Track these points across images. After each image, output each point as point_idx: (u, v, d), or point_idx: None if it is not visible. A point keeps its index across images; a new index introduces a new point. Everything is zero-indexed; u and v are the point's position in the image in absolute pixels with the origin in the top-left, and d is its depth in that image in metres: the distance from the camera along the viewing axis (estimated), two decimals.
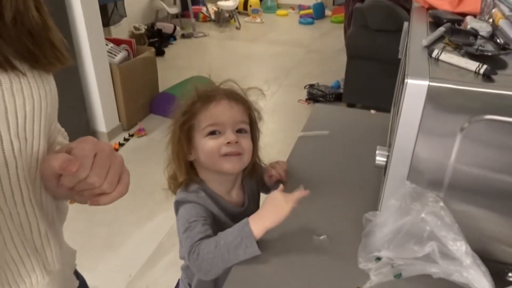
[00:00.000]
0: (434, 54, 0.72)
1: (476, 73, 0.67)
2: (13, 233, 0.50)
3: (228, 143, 0.87)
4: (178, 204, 0.91)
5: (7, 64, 0.46)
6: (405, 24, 1.23)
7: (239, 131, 0.90)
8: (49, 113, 0.52)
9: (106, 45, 2.85)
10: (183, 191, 0.92)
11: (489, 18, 0.92)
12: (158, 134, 3.07)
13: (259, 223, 0.79)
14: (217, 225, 0.88)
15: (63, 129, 0.68)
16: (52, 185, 0.52)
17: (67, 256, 0.63)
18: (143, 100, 3.23)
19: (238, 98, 0.92)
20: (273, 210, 0.80)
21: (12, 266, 0.51)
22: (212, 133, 0.88)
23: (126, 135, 3.03)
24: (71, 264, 0.66)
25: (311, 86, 3.66)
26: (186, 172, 0.92)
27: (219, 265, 0.79)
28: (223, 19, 5.78)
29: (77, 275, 0.69)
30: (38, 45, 0.49)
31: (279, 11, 6.38)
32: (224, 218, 0.91)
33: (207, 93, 0.90)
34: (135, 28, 4.46)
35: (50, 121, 0.53)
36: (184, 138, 0.90)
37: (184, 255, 0.83)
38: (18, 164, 0.49)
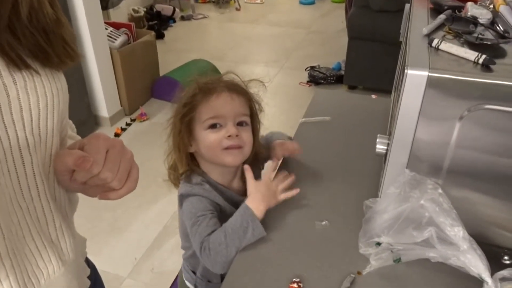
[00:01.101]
0: (434, 43, 0.72)
1: (475, 62, 0.68)
2: (31, 227, 0.52)
3: (229, 136, 0.88)
4: (182, 198, 0.92)
5: (21, 62, 0.47)
6: (407, 6, 1.23)
7: (240, 123, 0.91)
8: (61, 109, 0.53)
9: (106, 29, 2.84)
10: (186, 184, 0.93)
11: (490, 4, 0.92)
12: (160, 118, 3.08)
13: (258, 204, 0.85)
14: (223, 217, 0.90)
15: (70, 121, 0.70)
16: (65, 180, 0.54)
17: (79, 245, 0.65)
18: (144, 85, 3.22)
19: (239, 90, 0.92)
20: (268, 195, 0.87)
21: (31, 258, 0.53)
22: (213, 126, 0.89)
23: (128, 119, 3.04)
24: (83, 252, 0.68)
25: (312, 68, 3.64)
26: (187, 164, 0.93)
27: (232, 253, 0.81)
28: (222, 0, 5.70)
29: (88, 262, 0.72)
30: (51, 43, 0.50)
31: None
32: (230, 208, 0.93)
33: (208, 85, 0.91)
34: (134, 10, 4.41)
35: (62, 117, 0.54)
36: (184, 130, 0.90)
37: (196, 251, 0.85)
38: (33, 160, 0.50)
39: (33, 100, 0.48)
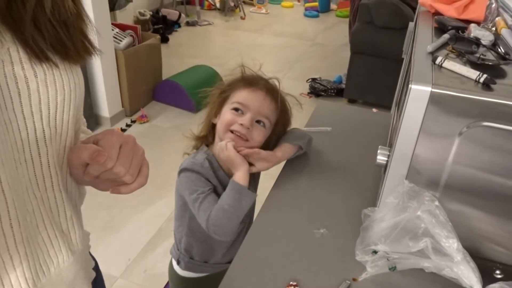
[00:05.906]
0: (438, 61, 0.75)
1: (476, 81, 0.71)
2: (44, 216, 0.54)
3: (241, 124, 0.95)
4: (182, 170, 0.98)
5: (42, 55, 0.48)
6: (410, 24, 1.26)
7: (258, 121, 0.97)
8: (77, 104, 0.54)
9: (112, 30, 2.87)
10: (191, 159, 0.99)
11: (492, 26, 0.95)
12: (160, 121, 3.10)
13: (239, 174, 0.94)
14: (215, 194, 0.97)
15: (82, 116, 0.71)
16: (78, 173, 0.55)
17: (85, 237, 0.67)
18: (146, 87, 3.25)
19: (275, 96, 1.00)
20: (240, 165, 0.94)
21: (43, 247, 0.54)
22: (236, 109, 0.97)
23: (128, 121, 3.05)
24: (87, 245, 0.70)
25: (314, 80, 3.68)
26: (207, 129, 1.03)
27: (235, 222, 0.91)
28: (228, 8, 5.76)
29: (91, 255, 0.73)
30: (71, 36, 0.51)
31: (285, 3, 6.35)
32: (221, 191, 0.99)
33: (252, 79, 1.00)
34: (140, 13, 4.45)
35: (77, 111, 0.55)
36: (217, 103, 1.01)
37: (203, 227, 0.93)
38: (49, 151, 0.52)
39: (51, 94, 0.49)
